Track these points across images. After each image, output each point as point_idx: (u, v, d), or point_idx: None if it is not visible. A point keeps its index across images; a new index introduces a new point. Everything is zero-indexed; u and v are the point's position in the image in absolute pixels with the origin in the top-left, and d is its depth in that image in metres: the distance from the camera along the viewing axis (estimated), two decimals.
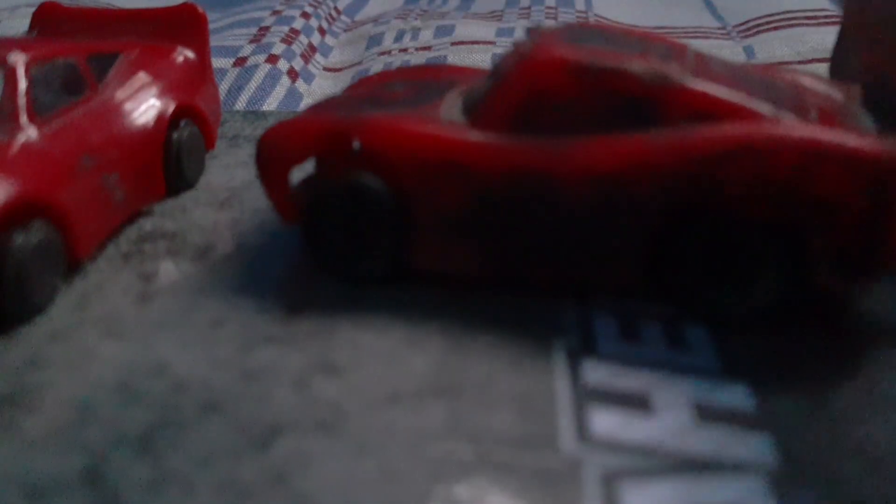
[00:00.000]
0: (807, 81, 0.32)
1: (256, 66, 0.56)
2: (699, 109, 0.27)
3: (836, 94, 0.31)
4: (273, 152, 0.31)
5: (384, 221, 0.29)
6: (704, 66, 0.29)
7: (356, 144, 0.29)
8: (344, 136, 0.29)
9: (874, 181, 0.25)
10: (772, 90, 0.29)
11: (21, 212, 0.28)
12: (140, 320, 0.29)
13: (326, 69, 0.63)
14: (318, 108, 0.33)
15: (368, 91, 0.35)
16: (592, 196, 0.27)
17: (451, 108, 0.31)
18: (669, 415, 0.24)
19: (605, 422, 0.24)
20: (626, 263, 0.28)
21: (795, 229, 0.26)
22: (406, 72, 0.39)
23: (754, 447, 0.23)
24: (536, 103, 0.28)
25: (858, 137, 0.26)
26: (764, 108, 0.27)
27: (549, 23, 0.66)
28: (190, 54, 0.40)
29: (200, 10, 0.40)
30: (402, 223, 0.29)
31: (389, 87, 0.35)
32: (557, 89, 0.28)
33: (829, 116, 0.28)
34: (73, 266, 0.31)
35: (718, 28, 0.68)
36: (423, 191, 0.29)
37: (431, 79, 0.36)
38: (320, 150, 0.30)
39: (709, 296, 0.28)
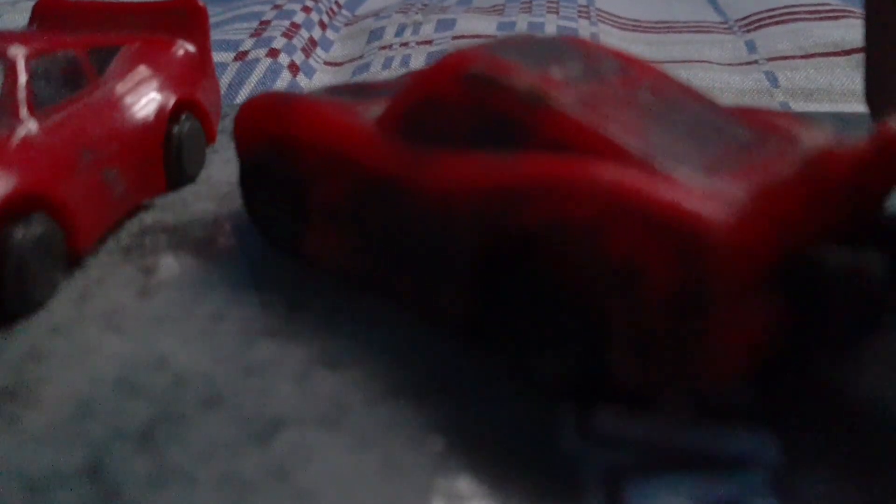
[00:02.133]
0: (802, 132, 0.25)
1: (257, 60, 0.56)
2: (560, 137, 0.24)
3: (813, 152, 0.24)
4: (242, 125, 0.32)
5: (286, 200, 0.30)
6: (628, 96, 0.25)
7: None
8: (275, 113, 0.30)
9: (686, 256, 0.20)
10: (705, 136, 0.24)
11: (21, 205, 0.28)
12: (140, 314, 0.29)
13: (327, 63, 0.63)
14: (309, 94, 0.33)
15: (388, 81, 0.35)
16: (430, 213, 0.26)
17: (375, 108, 0.30)
18: (671, 410, 0.24)
19: (606, 417, 0.24)
20: (451, 295, 0.26)
21: (593, 293, 0.22)
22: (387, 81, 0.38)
23: (756, 442, 0.23)
24: (425, 109, 0.27)
25: (692, 197, 0.21)
26: (643, 150, 0.23)
27: (551, 17, 0.66)
28: (190, 48, 0.39)
29: (200, 3, 0.40)
30: (298, 206, 0.30)
31: (394, 80, 0.35)
32: (443, 97, 0.26)
33: (748, 174, 0.22)
34: (73, 260, 0.31)
35: (720, 23, 0.68)
36: (318, 177, 0.29)
37: (388, 82, 0.35)
38: (268, 126, 0.31)
39: (515, 350, 0.25)
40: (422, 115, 0.27)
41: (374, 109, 0.29)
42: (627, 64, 0.27)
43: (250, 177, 0.32)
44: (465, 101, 0.26)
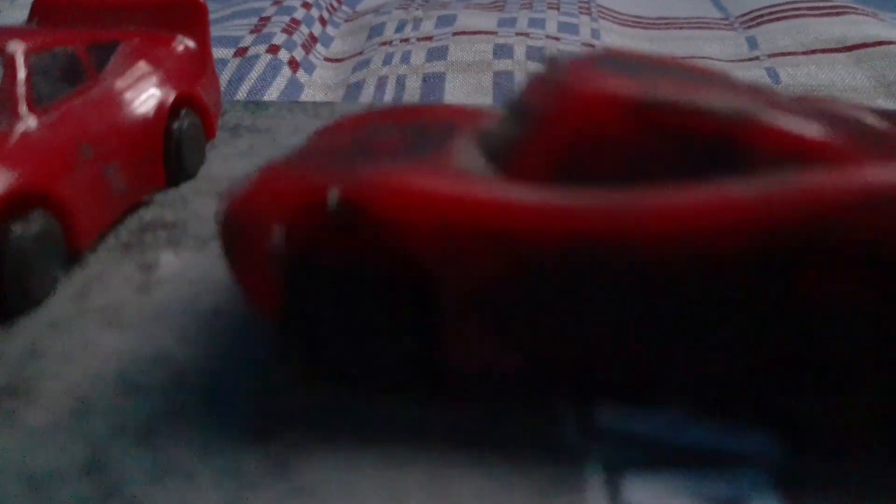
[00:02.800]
0: (833, 106, 0.26)
1: (257, 56, 0.56)
2: (788, 150, 0.22)
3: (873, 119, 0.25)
4: (244, 227, 0.24)
5: (401, 311, 0.23)
6: (765, 97, 0.24)
7: (333, 200, 0.23)
8: (341, 203, 0.23)
9: None
10: (820, 119, 0.24)
11: (21, 202, 0.28)
12: (140, 311, 0.29)
13: (327, 59, 0.62)
14: (288, 163, 0.26)
15: (348, 138, 0.29)
16: (676, 263, 0.21)
17: (467, 156, 0.25)
18: (673, 408, 0.24)
19: (608, 414, 0.24)
20: (738, 347, 0.22)
21: None
22: (389, 114, 0.32)
23: (757, 440, 0.23)
24: (586, 148, 0.23)
25: None
26: (851, 146, 0.22)
27: (552, 13, 0.66)
28: (190, 43, 0.39)
29: None
30: (425, 312, 0.23)
31: (376, 133, 0.29)
32: (611, 130, 0.23)
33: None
34: (73, 256, 0.31)
35: (721, 19, 0.68)
36: (453, 268, 0.22)
37: (423, 121, 0.30)
38: (304, 220, 0.23)
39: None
40: (582, 156, 0.23)
41: (462, 164, 0.25)
42: (694, 67, 0.27)
43: (305, 287, 0.24)
44: (644, 131, 0.23)
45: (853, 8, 0.62)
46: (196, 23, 0.40)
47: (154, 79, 0.36)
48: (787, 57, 0.56)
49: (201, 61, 0.40)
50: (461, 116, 0.30)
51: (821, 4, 0.64)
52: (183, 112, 0.37)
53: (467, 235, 0.22)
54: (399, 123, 0.29)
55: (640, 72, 0.24)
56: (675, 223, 0.21)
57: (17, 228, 0.28)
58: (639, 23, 0.68)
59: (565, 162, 0.23)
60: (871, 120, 0.24)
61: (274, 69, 0.55)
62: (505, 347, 0.23)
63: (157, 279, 0.30)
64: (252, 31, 0.61)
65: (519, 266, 0.22)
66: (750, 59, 0.57)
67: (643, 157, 0.23)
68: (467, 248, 0.22)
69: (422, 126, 0.29)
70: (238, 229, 0.24)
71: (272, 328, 0.25)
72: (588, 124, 0.23)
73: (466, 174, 0.24)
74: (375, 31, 0.65)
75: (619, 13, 0.70)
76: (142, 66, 0.36)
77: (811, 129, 0.22)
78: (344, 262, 0.23)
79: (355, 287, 0.23)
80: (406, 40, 0.61)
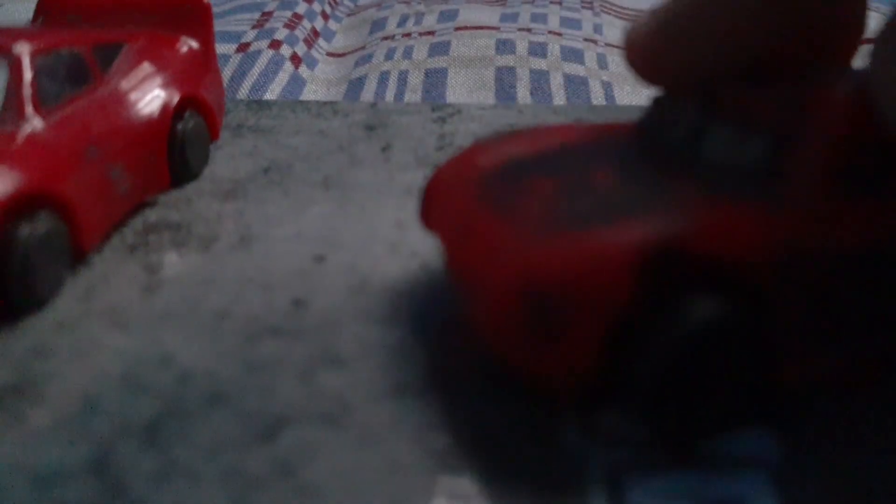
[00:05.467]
0: None
1: (259, 51, 0.56)
2: None
3: None
4: (556, 301, 0.22)
5: (749, 351, 0.22)
6: None
7: (654, 251, 0.21)
8: (668, 251, 0.21)
9: None
10: None
11: (27, 203, 0.28)
12: (145, 311, 0.29)
13: (329, 54, 0.62)
14: (517, 226, 0.24)
15: (532, 182, 0.26)
16: None
17: (706, 183, 0.24)
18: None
19: (608, 416, 0.24)
20: None
21: None
22: (515, 144, 0.29)
23: (756, 442, 0.23)
24: (858, 149, 0.23)
25: None
26: None
27: (554, 8, 0.66)
28: (194, 44, 0.39)
29: None
30: (765, 344, 0.22)
31: (564, 169, 0.27)
32: (872, 130, 0.23)
33: None
34: (78, 257, 0.31)
35: None
36: (783, 293, 0.22)
37: (578, 147, 0.28)
38: (632, 280, 0.21)
39: None
40: (853, 160, 0.23)
41: (692, 191, 0.24)
42: None
43: (681, 357, 0.22)
44: None
45: None
46: (200, 24, 0.40)
47: (159, 80, 0.36)
48: None
49: (205, 62, 0.40)
50: (589, 133, 0.29)
51: None
52: (187, 113, 0.37)
53: (789, 260, 0.22)
54: (559, 153, 0.28)
55: None
56: None
57: (24, 229, 0.28)
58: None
59: (839, 166, 0.23)
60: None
61: (276, 65, 0.55)
62: (835, 360, 0.23)
63: (162, 280, 0.31)
64: (254, 27, 0.61)
65: (830, 271, 0.22)
66: None
67: None
68: (792, 272, 0.22)
69: (588, 152, 0.27)
70: (530, 306, 0.22)
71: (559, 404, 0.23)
72: (853, 125, 0.23)
73: (735, 199, 0.23)
74: (377, 25, 0.65)
75: (621, 7, 0.70)
76: (146, 67, 0.36)
77: None
78: (696, 311, 0.21)
79: (712, 334, 0.21)
80: (408, 35, 0.61)
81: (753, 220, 0.22)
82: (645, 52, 0.26)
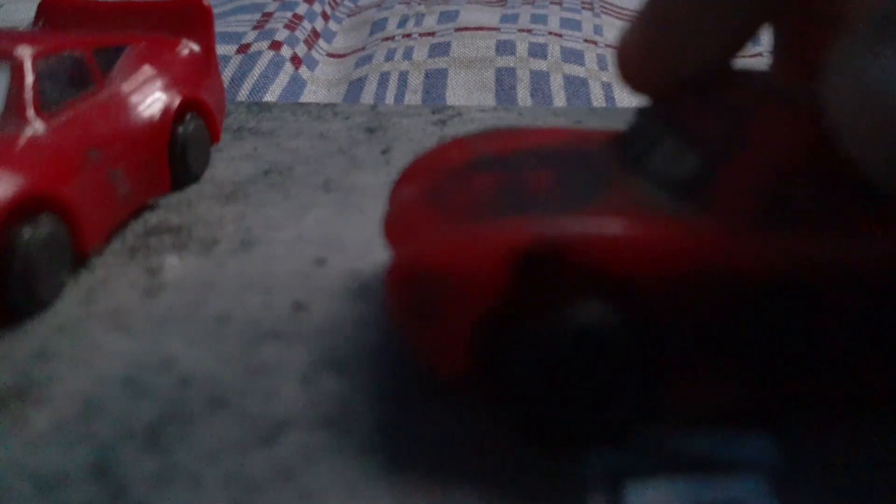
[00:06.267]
0: None
1: (259, 52, 0.56)
2: None
3: None
4: (420, 285, 0.23)
5: (629, 362, 0.22)
6: None
7: (536, 249, 0.22)
8: (549, 253, 0.22)
9: None
10: None
11: (29, 206, 0.28)
12: (146, 315, 0.29)
13: (330, 55, 0.63)
14: (439, 212, 0.25)
15: (479, 177, 0.27)
16: None
17: (638, 192, 0.24)
18: (672, 414, 0.24)
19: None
20: None
21: None
22: (484, 143, 0.30)
23: (755, 446, 0.23)
24: (790, 181, 0.22)
25: None
26: None
27: (554, 8, 0.66)
28: (195, 47, 0.40)
29: (206, 2, 0.40)
30: (650, 359, 0.22)
31: (509, 168, 0.27)
32: (813, 162, 0.22)
33: None
34: (79, 260, 0.31)
35: None
36: (670, 311, 0.22)
37: (538, 149, 0.28)
38: (509, 276, 0.22)
39: None
40: (783, 191, 0.22)
41: (645, 202, 0.24)
42: None
43: (548, 358, 0.22)
44: None
45: None
46: (201, 26, 0.40)
47: (159, 83, 0.36)
48: None
49: (206, 65, 0.40)
50: (567, 139, 0.29)
51: None
52: (188, 116, 0.38)
53: (683, 278, 0.22)
54: (521, 154, 0.28)
55: None
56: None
57: (26, 232, 0.28)
58: None
59: (766, 194, 0.22)
60: None
61: (276, 66, 0.55)
62: (722, 380, 0.23)
63: (163, 283, 0.31)
64: (254, 28, 0.61)
65: (735, 301, 0.22)
66: (752, 56, 0.57)
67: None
68: (683, 290, 0.22)
69: (551, 156, 0.27)
70: (413, 288, 0.23)
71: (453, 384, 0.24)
72: (790, 159, 0.22)
73: (656, 212, 0.23)
74: (378, 26, 0.65)
75: (622, 8, 0.70)
76: (147, 70, 0.36)
77: None
78: (549, 314, 0.22)
79: (585, 339, 0.22)
80: (408, 36, 0.61)
81: (656, 236, 0.22)
82: (630, 60, 0.26)
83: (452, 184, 0.27)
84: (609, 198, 0.24)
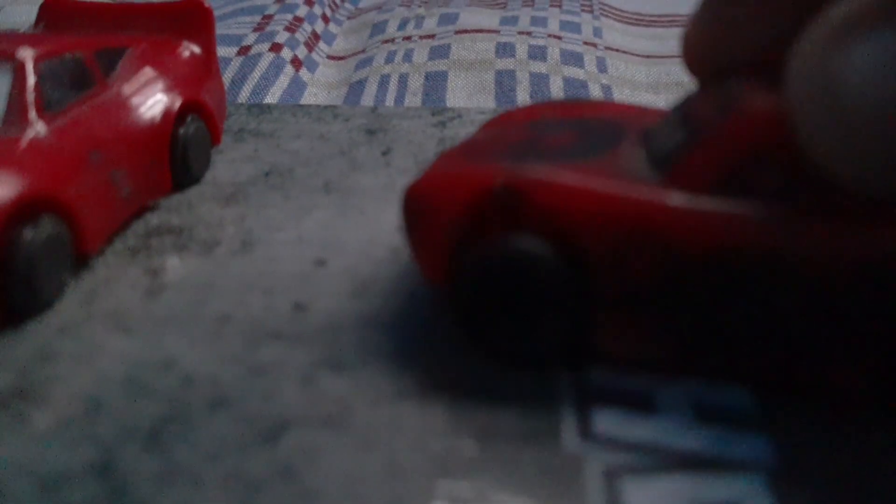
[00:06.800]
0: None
1: (260, 54, 0.56)
2: None
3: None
4: (423, 207, 0.27)
5: (556, 296, 0.25)
6: None
7: (500, 187, 0.25)
8: (508, 191, 0.25)
9: None
10: None
11: (30, 207, 0.28)
12: (147, 315, 0.29)
13: (330, 57, 0.63)
14: (463, 153, 0.29)
15: (518, 131, 0.31)
16: (845, 282, 0.23)
17: (632, 159, 0.26)
18: (670, 413, 0.24)
19: (607, 419, 0.24)
20: (865, 365, 0.23)
21: None
22: (557, 107, 0.34)
23: (754, 445, 0.23)
24: (753, 165, 0.23)
25: None
26: None
27: (553, 11, 0.66)
28: (196, 49, 0.40)
29: (206, 4, 0.40)
30: (578, 298, 0.25)
31: (543, 128, 0.30)
32: (780, 149, 0.23)
33: None
34: (80, 261, 0.31)
35: None
36: (607, 261, 0.24)
37: (591, 117, 0.31)
38: (477, 207, 0.25)
39: None
40: (748, 172, 0.23)
41: (626, 167, 0.26)
42: None
43: (477, 275, 0.25)
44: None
45: None
46: (202, 28, 0.40)
47: (161, 85, 0.37)
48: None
49: (207, 66, 0.40)
50: (629, 114, 0.31)
51: None
52: (189, 118, 0.38)
53: (617, 231, 0.24)
54: (569, 119, 0.31)
55: None
56: (844, 245, 0.23)
57: (28, 233, 0.28)
58: (641, 20, 0.69)
59: (727, 176, 0.24)
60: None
61: (277, 68, 0.55)
62: (651, 339, 0.25)
63: (164, 284, 0.31)
64: (255, 30, 0.61)
65: (666, 263, 0.24)
66: None
67: (808, 179, 0.23)
68: (617, 242, 0.24)
69: (592, 123, 0.30)
70: (416, 209, 0.27)
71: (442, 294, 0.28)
72: (756, 141, 0.23)
73: (628, 176, 0.25)
74: (378, 28, 0.65)
75: (621, 11, 0.70)
76: (148, 71, 0.36)
77: None
78: (506, 245, 0.25)
79: (516, 268, 0.25)
80: (408, 38, 0.61)
81: (612, 193, 0.24)
82: (691, 48, 0.28)
83: (492, 135, 0.31)
84: (600, 160, 0.26)
